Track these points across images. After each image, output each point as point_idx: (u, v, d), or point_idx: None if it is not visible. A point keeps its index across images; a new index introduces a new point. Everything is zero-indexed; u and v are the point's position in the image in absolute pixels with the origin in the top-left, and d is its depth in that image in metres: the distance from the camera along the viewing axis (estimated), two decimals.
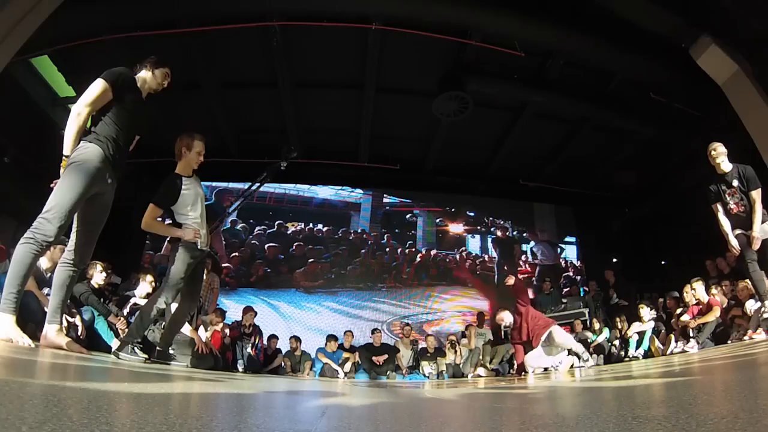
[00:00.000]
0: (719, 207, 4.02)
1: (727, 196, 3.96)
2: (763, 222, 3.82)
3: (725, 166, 3.97)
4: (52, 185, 2.37)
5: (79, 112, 2.39)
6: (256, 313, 6.45)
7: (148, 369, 2.50)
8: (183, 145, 3.12)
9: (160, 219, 3.21)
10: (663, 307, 6.36)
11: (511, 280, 5.33)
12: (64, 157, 2.35)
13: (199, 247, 3.13)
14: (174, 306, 3.29)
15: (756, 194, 3.82)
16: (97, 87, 2.44)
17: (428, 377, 6.44)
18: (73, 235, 2.51)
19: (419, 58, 6.42)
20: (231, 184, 9.22)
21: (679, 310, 5.62)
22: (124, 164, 2.60)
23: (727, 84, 4.99)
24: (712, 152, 4.04)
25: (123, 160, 2.58)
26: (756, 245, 3.77)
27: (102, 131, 2.46)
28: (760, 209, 3.80)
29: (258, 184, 4.40)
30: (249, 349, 5.91)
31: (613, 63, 6.15)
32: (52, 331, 2.49)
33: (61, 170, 2.35)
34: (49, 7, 4.15)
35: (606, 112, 7.02)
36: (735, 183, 3.91)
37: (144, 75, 2.74)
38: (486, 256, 9.81)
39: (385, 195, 9.94)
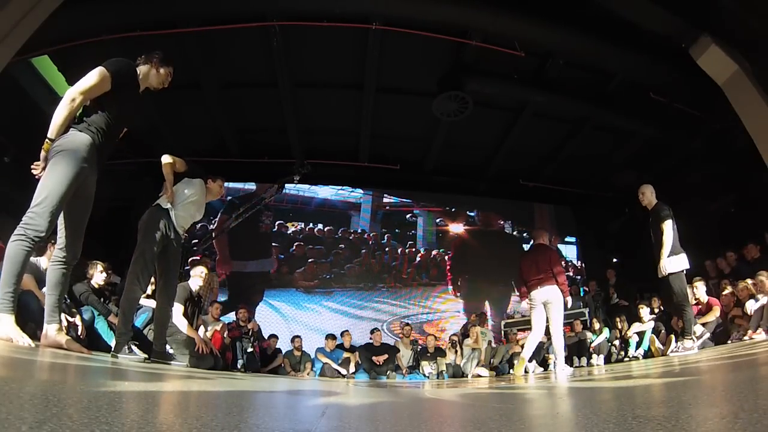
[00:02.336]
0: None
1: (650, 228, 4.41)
2: (677, 253, 4.12)
3: (650, 206, 4.45)
4: (33, 169, 2.27)
5: (73, 98, 2.30)
6: (247, 309, 6.46)
7: (148, 369, 2.50)
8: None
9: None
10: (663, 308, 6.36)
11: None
12: (47, 140, 2.23)
13: (171, 219, 3.15)
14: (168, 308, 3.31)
15: (664, 225, 4.17)
16: (96, 75, 2.37)
17: (428, 377, 6.44)
18: (60, 233, 2.46)
19: (419, 58, 6.42)
20: (231, 184, 9.22)
21: None
22: (108, 156, 2.55)
23: (727, 84, 4.98)
24: (641, 195, 4.49)
25: (109, 151, 2.54)
26: (660, 273, 4.14)
27: (93, 121, 2.40)
28: (665, 240, 4.12)
29: (272, 195, 4.59)
30: (249, 348, 5.91)
31: (613, 63, 6.14)
32: (52, 330, 2.50)
33: (42, 152, 2.25)
34: (49, 7, 4.15)
35: (606, 112, 7.01)
36: (650, 218, 4.35)
37: (146, 70, 2.70)
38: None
39: (385, 195, 9.93)
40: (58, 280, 2.52)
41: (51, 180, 2.18)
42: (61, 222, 2.42)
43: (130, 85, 2.57)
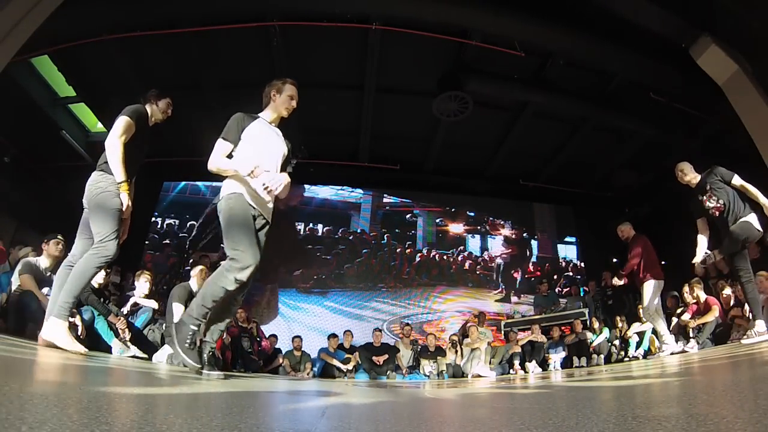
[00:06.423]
0: (701, 223, 4.09)
1: (705, 203, 3.98)
2: (747, 215, 3.72)
3: (695, 180, 4.09)
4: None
5: (116, 146, 2.67)
6: (246, 309, 6.46)
7: (148, 369, 2.50)
8: (273, 89, 2.90)
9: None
10: (663, 307, 6.35)
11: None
12: (124, 182, 2.68)
13: (262, 198, 2.52)
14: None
15: (737, 181, 3.80)
16: (124, 123, 2.73)
17: (428, 377, 6.44)
18: (77, 242, 2.70)
19: (419, 58, 6.42)
20: None
21: (679, 310, 5.62)
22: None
23: (727, 84, 4.98)
24: (680, 173, 4.15)
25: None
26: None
27: None
28: (753, 188, 3.72)
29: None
30: (248, 347, 5.90)
31: (613, 63, 6.14)
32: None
33: (124, 194, 2.69)
34: (49, 7, 4.15)
35: (606, 112, 7.02)
36: (708, 187, 3.94)
37: (150, 109, 3.01)
38: (487, 255, 9.81)
39: (385, 195, 9.94)
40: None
41: (105, 218, 2.60)
42: (79, 231, 2.77)
43: (145, 126, 2.94)
